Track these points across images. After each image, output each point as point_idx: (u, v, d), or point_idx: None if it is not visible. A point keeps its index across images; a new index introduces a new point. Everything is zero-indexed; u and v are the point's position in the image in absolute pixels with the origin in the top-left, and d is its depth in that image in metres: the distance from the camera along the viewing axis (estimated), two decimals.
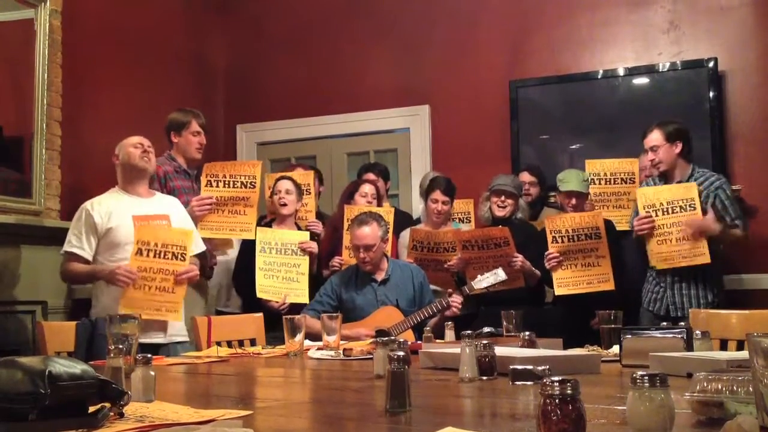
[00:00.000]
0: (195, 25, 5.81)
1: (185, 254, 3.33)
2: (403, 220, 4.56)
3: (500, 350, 2.05)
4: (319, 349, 2.86)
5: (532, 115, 5.23)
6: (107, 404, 1.31)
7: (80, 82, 4.54)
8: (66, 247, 3.35)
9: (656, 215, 3.65)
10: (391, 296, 3.64)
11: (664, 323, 3.22)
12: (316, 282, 3.95)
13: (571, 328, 3.44)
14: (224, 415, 1.40)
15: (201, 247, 3.58)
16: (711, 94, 4.76)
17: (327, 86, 5.76)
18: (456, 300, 3.60)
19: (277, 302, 3.85)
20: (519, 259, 3.85)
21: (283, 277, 3.94)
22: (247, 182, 3.98)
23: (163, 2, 5.46)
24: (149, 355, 1.71)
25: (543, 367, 1.79)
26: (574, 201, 4.03)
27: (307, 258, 3.99)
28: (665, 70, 4.93)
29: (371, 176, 4.67)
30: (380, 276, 3.70)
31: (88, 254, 3.32)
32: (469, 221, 4.74)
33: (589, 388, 1.55)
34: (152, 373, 1.65)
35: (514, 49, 5.34)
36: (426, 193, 4.31)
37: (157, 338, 3.31)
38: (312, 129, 5.82)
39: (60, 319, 3.91)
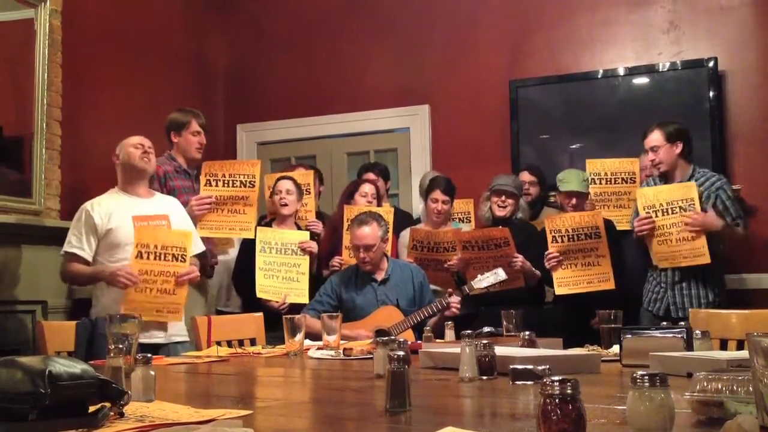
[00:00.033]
0: (195, 25, 5.81)
1: (185, 255, 3.33)
2: (403, 219, 4.55)
3: (500, 350, 2.05)
4: (319, 348, 2.86)
5: (532, 115, 5.23)
6: (107, 404, 1.31)
7: (80, 82, 4.54)
8: (66, 248, 3.35)
9: (656, 216, 3.65)
10: (391, 296, 3.64)
11: (664, 323, 3.22)
12: (316, 282, 3.95)
13: (571, 328, 3.44)
14: (224, 415, 1.40)
15: (200, 247, 3.58)
16: (711, 94, 4.76)
17: (327, 86, 5.76)
18: (455, 300, 3.60)
19: (277, 302, 3.85)
20: (519, 259, 3.85)
21: (283, 277, 3.94)
22: (246, 181, 3.98)
23: (163, 2, 5.46)
24: (149, 355, 1.71)
25: (543, 367, 1.79)
26: (574, 201, 4.03)
27: (307, 258, 3.99)
28: (665, 70, 4.93)
29: (371, 176, 4.67)
30: (380, 276, 3.70)
31: (88, 255, 3.32)
32: (470, 221, 4.74)
33: (589, 388, 1.55)
34: (152, 372, 1.66)
35: (514, 49, 5.34)
36: (426, 192, 4.31)
37: (157, 338, 3.31)
38: (312, 129, 5.82)
39: (60, 319, 3.91)
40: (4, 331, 3.79)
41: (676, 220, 3.60)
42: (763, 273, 4.52)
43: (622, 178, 4.25)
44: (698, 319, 2.86)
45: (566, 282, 3.85)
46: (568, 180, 4.05)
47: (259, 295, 3.86)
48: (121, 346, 1.87)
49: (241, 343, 3.21)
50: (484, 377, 1.92)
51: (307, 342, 2.95)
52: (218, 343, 3.04)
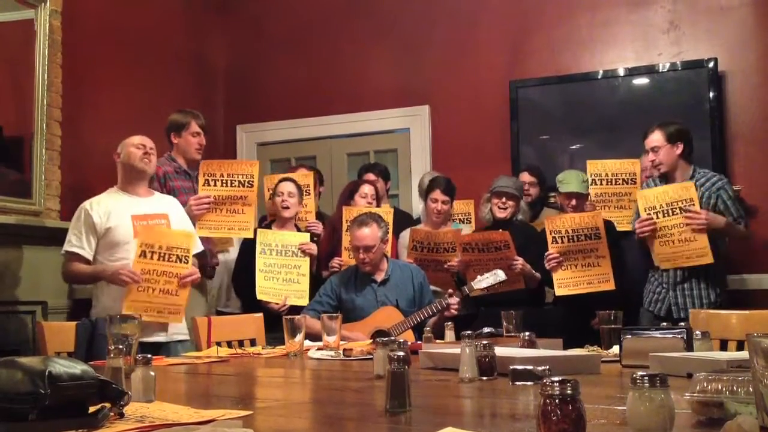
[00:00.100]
0: (195, 25, 5.81)
1: (188, 257, 3.34)
2: (403, 220, 4.55)
3: (500, 350, 2.05)
4: (319, 349, 2.86)
5: (532, 116, 5.23)
6: (107, 404, 1.31)
7: (80, 82, 4.54)
8: (66, 247, 3.35)
9: (657, 217, 3.65)
10: (390, 296, 3.64)
11: (664, 323, 3.22)
12: (315, 283, 3.95)
13: (571, 329, 3.44)
14: (224, 415, 1.40)
15: (199, 247, 3.58)
16: (711, 94, 4.76)
17: (327, 86, 5.76)
18: (454, 301, 3.59)
19: (277, 304, 3.84)
20: (519, 262, 3.85)
21: (283, 279, 3.93)
22: (244, 181, 3.97)
23: (163, 2, 5.46)
24: (149, 356, 1.72)
25: (543, 368, 1.79)
26: (574, 202, 4.03)
27: (307, 259, 3.98)
28: (665, 70, 4.93)
29: (371, 176, 4.67)
30: (380, 276, 3.70)
31: (88, 254, 3.32)
32: (470, 222, 4.74)
33: (589, 388, 1.55)
34: (152, 373, 1.66)
35: (514, 49, 5.34)
36: (426, 192, 4.31)
37: (158, 337, 3.31)
38: (312, 129, 5.82)
39: (60, 319, 3.91)
40: (5, 332, 3.80)
41: (677, 221, 3.60)
42: (764, 273, 4.52)
43: (623, 179, 4.25)
44: (698, 319, 2.86)
45: (566, 283, 3.85)
46: (568, 181, 4.05)
47: (259, 296, 3.85)
48: (121, 346, 1.87)
49: (241, 343, 3.21)
50: (484, 378, 1.92)
51: (307, 342, 2.95)
52: (218, 344, 3.04)
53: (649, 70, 4.98)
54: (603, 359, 2.19)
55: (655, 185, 3.80)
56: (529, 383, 1.77)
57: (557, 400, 1.05)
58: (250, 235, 3.98)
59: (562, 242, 3.85)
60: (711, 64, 4.77)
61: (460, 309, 3.64)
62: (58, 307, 4.08)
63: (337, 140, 5.82)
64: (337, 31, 5.80)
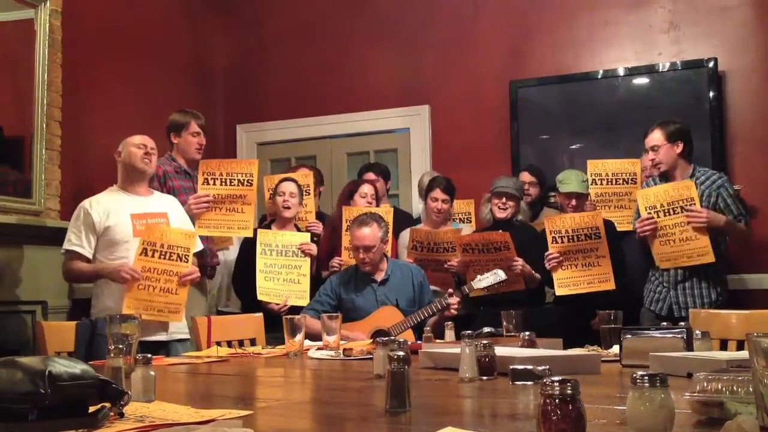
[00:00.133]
0: (195, 25, 5.81)
1: (188, 256, 3.34)
2: (403, 219, 4.56)
3: (500, 350, 2.05)
4: (319, 349, 2.86)
5: (532, 115, 5.23)
6: (107, 404, 1.31)
7: (80, 82, 4.54)
8: (66, 246, 3.35)
9: (658, 216, 3.65)
10: (390, 296, 3.64)
11: (664, 323, 3.22)
12: (315, 283, 3.94)
13: (571, 328, 3.44)
14: (224, 415, 1.40)
15: (199, 246, 3.58)
16: (711, 94, 4.76)
17: (327, 86, 5.76)
18: (454, 301, 3.59)
19: (277, 304, 3.84)
20: (519, 263, 3.84)
21: (284, 279, 3.93)
22: (244, 180, 3.97)
23: (163, 2, 5.46)
24: (149, 355, 1.72)
25: (543, 367, 1.79)
26: (574, 202, 4.03)
27: (308, 259, 3.98)
28: (665, 70, 4.93)
29: (371, 176, 4.67)
30: (380, 276, 3.70)
31: (88, 252, 3.33)
32: (470, 221, 4.74)
33: (589, 388, 1.55)
34: (152, 373, 1.66)
35: (514, 49, 5.34)
36: (426, 192, 4.31)
37: (158, 336, 3.31)
38: (312, 129, 5.82)
39: (60, 319, 3.91)
40: (5, 331, 3.80)
41: (678, 220, 3.59)
42: (764, 273, 4.52)
43: (623, 179, 4.24)
44: (698, 319, 2.86)
45: (566, 283, 3.85)
46: (568, 181, 4.05)
47: (260, 297, 3.85)
48: (121, 346, 1.87)
49: (241, 343, 3.21)
50: (484, 377, 1.92)
51: (307, 342, 2.95)
52: (218, 344, 3.04)
53: (649, 70, 4.98)
54: (603, 359, 2.19)
55: (655, 184, 3.80)
56: (529, 383, 1.77)
57: (557, 400, 1.05)
58: (250, 234, 3.98)
59: (562, 242, 3.85)
60: (711, 64, 4.77)
61: (460, 309, 3.65)
62: (58, 306, 4.08)
63: (337, 140, 5.82)
64: (337, 31, 5.79)
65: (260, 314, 3.49)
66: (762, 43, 4.78)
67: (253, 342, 3.28)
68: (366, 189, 4.30)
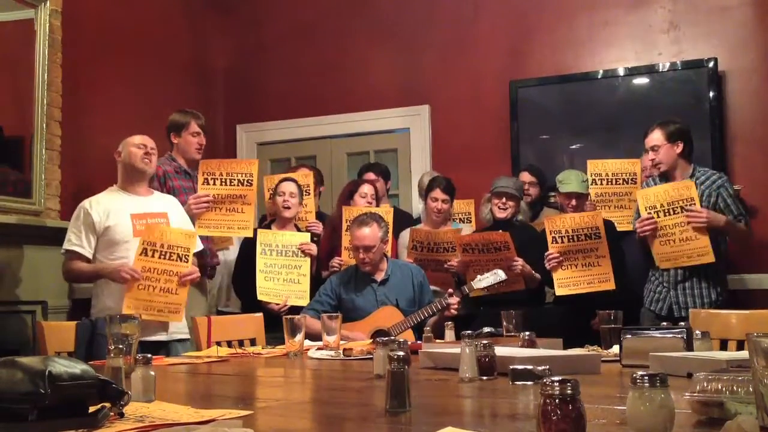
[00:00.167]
0: (195, 25, 5.81)
1: (188, 256, 3.34)
2: (403, 219, 4.56)
3: (500, 350, 2.05)
4: (319, 349, 2.86)
5: (532, 115, 5.23)
6: (107, 404, 1.31)
7: (80, 82, 4.54)
8: (66, 246, 3.35)
9: (658, 216, 3.65)
10: (390, 296, 3.64)
11: (665, 323, 3.22)
12: (315, 283, 3.94)
13: (571, 328, 3.44)
14: (224, 415, 1.40)
15: (199, 246, 3.58)
16: (711, 94, 4.76)
17: (327, 86, 5.76)
18: (454, 301, 3.59)
19: (277, 304, 3.84)
20: (519, 263, 3.84)
21: (284, 279, 3.93)
22: (244, 180, 3.97)
23: (163, 2, 5.46)
24: (149, 355, 1.72)
25: (543, 367, 1.79)
26: (574, 202, 4.03)
27: (308, 259, 3.98)
28: (665, 70, 4.93)
29: (371, 176, 4.67)
30: (380, 276, 3.70)
31: (88, 252, 3.33)
32: (470, 221, 4.74)
33: (589, 388, 1.55)
34: (152, 373, 1.66)
35: (514, 49, 5.34)
36: (426, 191, 4.31)
37: (159, 336, 3.31)
38: (312, 129, 5.82)
39: (60, 319, 3.91)
40: (5, 331, 3.80)
41: (679, 220, 3.59)
42: (764, 273, 4.52)
43: (623, 179, 4.24)
44: (698, 319, 2.86)
45: (566, 283, 3.85)
46: (568, 181, 4.05)
47: (260, 297, 3.84)
48: (121, 346, 1.87)
49: (241, 343, 3.21)
50: (484, 377, 1.92)
51: (307, 342, 2.95)
52: (218, 344, 3.04)
53: (649, 70, 4.98)
54: (603, 359, 2.19)
55: (655, 184, 3.80)
56: (529, 383, 1.77)
57: (557, 400, 1.05)
58: (250, 234, 3.98)
59: (562, 242, 3.85)
60: (711, 64, 4.77)
61: (460, 309, 3.65)
62: (58, 306, 4.08)
63: (337, 140, 5.82)
64: (337, 31, 5.80)
65: (260, 314, 3.49)
66: (762, 43, 4.78)
67: (253, 342, 3.28)
68: (366, 189, 4.30)
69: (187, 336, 3.44)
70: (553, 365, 1.82)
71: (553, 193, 4.54)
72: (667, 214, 3.63)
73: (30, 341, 3.85)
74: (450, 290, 3.69)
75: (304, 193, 4.26)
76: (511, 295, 3.77)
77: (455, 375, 1.92)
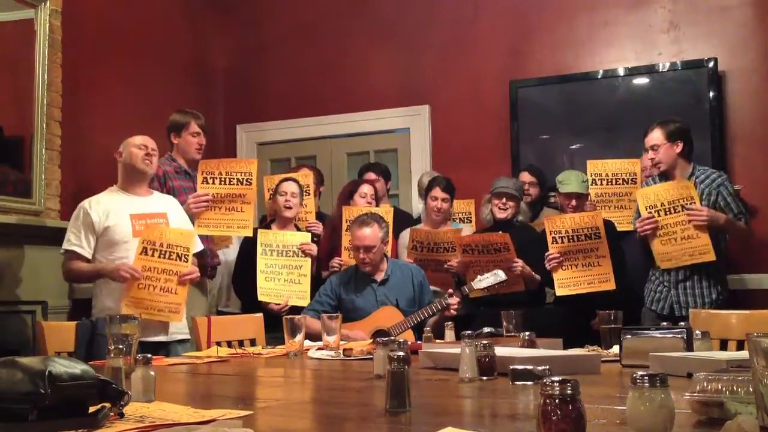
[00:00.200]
0: (195, 25, 5.81)
1: (188, 255, 3.34)
2: (403, 219, 4.56)
3: (500, 350, 2.05)
4: (319, 349, 2.86)
5: (532, 115, 5.23)
6: (107, 404, 1.31)
7: (80, 82, 4.54)
8: (65, 246, 3.35)
9: (659, 215, 3.65)
10: (390, 296, 3.64)
11: (664, 323, 3.22)
12: (315, 283, 3.94)
13: (571, 328, 3.44)
14: (224, 415, 1.40)
15: (199, 247, 3.58)
16: (711, 94, 4.76)
17: (327, 86, 5.76)
18: (454, 301, 3.59)
19: (277, 304, 3.83)
20: (519, 264, 3.84)
21: (284, 280, 3.92)
22: (243, 179, 3.97)
23: (163, 2, 5.46)
24: (149, 355, 1.72)
25: (543, 367, 1.79)
26: (574, 202, 4.03)
27: (308, 259, 3.97)
28: (665, 70, 4.93)
29: (372, 176, 4.67)
30: (380, 276, 3.70)
31: (87, 252, 3.32)
32: (470, 221, 4.74)
33: (589, 388, 1.55)
34: (152, 373, 1.66)
35: (514, 49, 5.34)
36: (426, 191, 4.31)
37: (159, 337, 3.31)
38: (312, 129, 5.82)
39: (60, 319, 3.91)
40: (5, 331, 3.80)
41: (680, 219, 3.60)
42: (764, 273, 4.52)
43: (623, 179, 4.24)
44: (698, 319, 2.86)
45: (567, 283, 3.85)
46: (568, 181, 4.05)
47: (260, 298, 3.84)
48: (121, 346, 1.87)
49: (241, 343, 3.21)
50: (484, 377, 1.92)
51: (307, 342, 2.95)
52: (218, 344, 3.04)
53: (649, 70, 4.98)
54: (603, 359, 2.19)
55: (655, 184, 3.80)
56: (529, 383, 1.77)
57: (557, 400, 1.05)
58: (250, 234, 3.98)
59: (563, 242, 3.85)
60: (711, 64, 4.77)
61: (460, 309, 3.65)
62: (59, 306, 4.08)
63: (337, 140, 5.82)
64: (337, 31, 5.80)
65: (260, 314, 3.49)
66: (762, 43, 4.78)
67: (253, 342, 3.28)
68: (366, 189, 4.30)
69: (188, 336, 3.44)
70: (553, 365, 1.82)
71: (553, 193, 4.54)
72: (668, 212, 3.63)
73: (30, 341, 3.85)
74: (450, 290, 3.68)
75: (304, 193, 4.26)
76: (511, 296, 3.77)
77: (455, 375, 1.92)
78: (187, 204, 3.78)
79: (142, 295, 3.23)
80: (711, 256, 3.54)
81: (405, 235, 4.25)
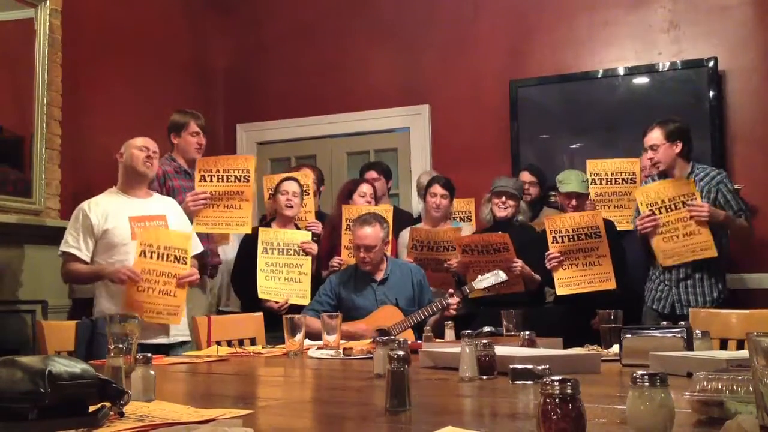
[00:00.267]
0: (195, 25, 5.81)
1: (186, 258, 3.33)
2: (403, 219, 4.56)
3: (500, 350, 2.05)
4: (319, 348, 2.86)
5: (532, 115, 5.24)
6: (107, 404, 1.31)
7: (80, 82, 4.54)
8: (63, 248, 3.34)
9: (660, 213, 3.65)
10: (390, 296, 3.64)
11: (664, 323, 3.22)
12: (315, 282, 3.94)
13: (571, 328, 3.44)
14: (224, 415, 1.40)
15: (199, 248, 3.58)
16: (711, 94, 4.76)
17: (327, 85, 5.76)
18: (454, 301, 3.59)
19: (277, 303, 3.83)
20: (519, 264, 3.84)
21: (285, 278, 3.92)
22: (240, 176, 3.96)
23: (163, 2, 5.46)
24: (149, 355, 1.71)
25: (543, 367, 1.79)
26: (574, 202, 4.03)
27: (309, 258, 3.97)
28: (665, 69, 4.93)
29: (373, 174, 4.67)
30: (379, 276, 3.70)
31: (85, 255, 3.31)
32: (470, 220, 4.75)
33: (589, 388, 1.55)
34: (152, 372, 1.66)
35: (514, 49, 5.34)
36: (425, 189, 4.31)
37: (160, 339, 3.30)
38: (312, 129, 5.82)
39: (60, 319, 3.91)
40: (5, 331, 3.80)
41: (681, 215, 3.59)
42: (764, 273, 4.52)
43: (623, 179, 4.25)
44: (698, 318, 2.86)
45: (567, 282, 3.85)
46: (568, 181, 4.05)
47: (261, 296, 3.84)
48: (121, 345, 1.87)
49: (241, 342, 3.21)
50: (484, 377, 1.92)
51: (307, 342, 2.95)
52: (218, 343, 3.04)
53: (649, 70, 4.98)
54: (603, 358, 2.19)
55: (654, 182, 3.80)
56: (529, 382, 1.77)
57: (557, 399, 1.05)
58: (248, 231, 3.98)
59: (563, 242, 3.85)
60: (711, 64, 4.77)
61: (460, 308, 3.65)
62: (59, 306, 4.08)
63: (337, 139, 5.82)
64: (337, 31, 5.80)
65: (260, 314, 3.48)
66: (762, 43, 4.78)
67: (253, 341, 3.28)
68: (365, 188, 4.31)
69: (189, 338, 3.43)
70: (553, 365, 1.82)
71: (553, 193, 4.54)
72: (669, 210, 3.63)
73: (30, 341, 3.85)
74: (450, 290, 3.69)
75: (304, 193, 4.26)
76: (511, 295, 3.77)
77: (455, 374, 1.92)
78: (186, 202, 3.78)
79: (140, 298, 3.23)
80: (713, 252, 3.55)
81: (405, 235, 4.25)
